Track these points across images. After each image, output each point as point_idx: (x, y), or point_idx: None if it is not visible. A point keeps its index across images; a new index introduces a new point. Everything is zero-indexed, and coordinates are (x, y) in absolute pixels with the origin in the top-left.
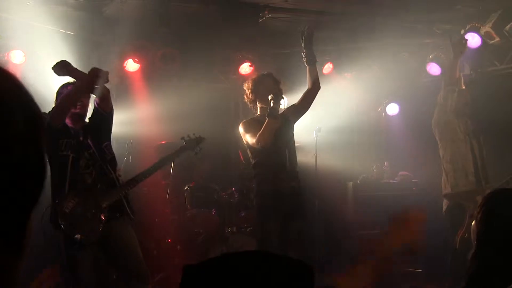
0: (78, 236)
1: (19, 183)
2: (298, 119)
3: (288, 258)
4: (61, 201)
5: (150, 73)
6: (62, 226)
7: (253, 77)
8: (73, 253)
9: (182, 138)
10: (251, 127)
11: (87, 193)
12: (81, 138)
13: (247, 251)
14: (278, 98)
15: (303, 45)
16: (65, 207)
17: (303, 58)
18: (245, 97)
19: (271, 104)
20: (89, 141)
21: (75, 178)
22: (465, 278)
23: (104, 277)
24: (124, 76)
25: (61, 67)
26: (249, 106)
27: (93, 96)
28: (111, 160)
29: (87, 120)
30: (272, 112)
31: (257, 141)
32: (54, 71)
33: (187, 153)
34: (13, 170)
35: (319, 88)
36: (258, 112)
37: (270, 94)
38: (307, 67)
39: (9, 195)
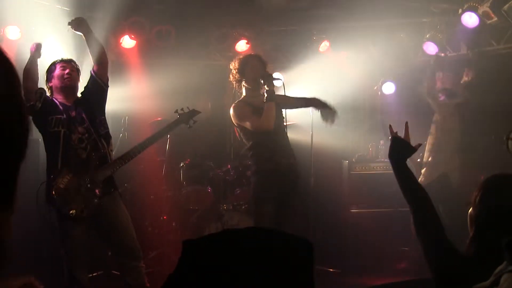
0: (72, 211)
1: (2, 140)
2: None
3: (288, 234)
4: (55, 176)
5: (146, 50)
6: (56, 201)
7: (240, 57)
8: (66, 229)
9: (176, 111)
10: (245, 112)
11: (82, 168)
12: (73, 114)
13: (247, 227)
14: (270, 79)
15: (264, 83)
16: (60, 182)
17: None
18: (231, 76)
19: (266, 87)
20: (83, 115)
21: (68, 153)
22: (462, 261)
23: (97, 254)
24: (120, 52)
25: (80, 23)
26: (234, 86)
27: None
28: (105, 135)
29: (79, 94)
30: (270, 95)
31: (261, 127)
32: (72, 26)
33: (181, 126)
34: None
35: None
36: (244, 93)
37: (259, 76)
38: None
39: None
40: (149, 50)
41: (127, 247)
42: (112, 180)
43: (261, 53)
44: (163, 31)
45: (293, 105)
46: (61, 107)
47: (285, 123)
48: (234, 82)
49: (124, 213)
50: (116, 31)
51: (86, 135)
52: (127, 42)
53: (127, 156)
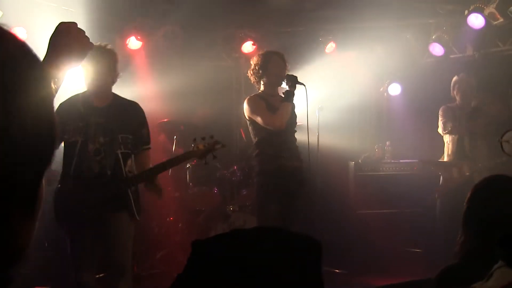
0: (64, 225)
1: (32, 146)
2: None
3: (296, 233)
4: (62, 186)
5: (152, 51)
6: (61, 212)
7: (263, 52)
8: (71, 233)
9: (194, 140)
10: (259, 106)
11: (92, 182)
12: (99, 120)
13: (255, 227)
14: (294, 81)
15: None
16: (65, 192)
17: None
18: (250, 71)
19: (288, 88)
20: (107, 125)
21: (82, 165)
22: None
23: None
24: (126, 54)
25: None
26: (252, 81)
27: None
28: (125, 154)
29: (115, 101)
30: (289, 96)
31: (273, 124)
32: None
33: (187, 128)
34: (26, 133)
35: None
36: (262, 89)
37: (281, 74)
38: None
39: (23, 158)
40: (156, 51)
41: (115, 262)
42: (125, 200)
43: None
44: (170, 32)
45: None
46: (82, 110)
47: (295, 125)
48: (253, 77)
49: (126, 233)
50: (123, 32)
51: (105, 147)
52: (134, 43)
53: (135, 179)
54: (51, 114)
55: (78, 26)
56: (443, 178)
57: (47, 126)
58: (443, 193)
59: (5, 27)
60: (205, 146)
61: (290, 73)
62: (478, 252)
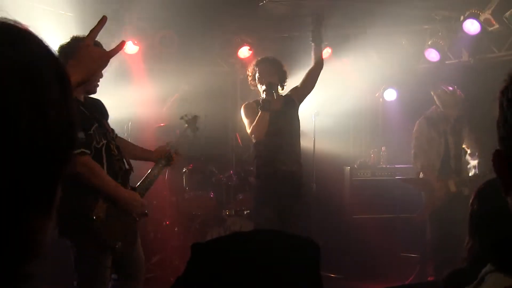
0: (119, 244)
1: (53, 146)
2: (303, 99)
3: (295, 235)
4: (90, 201)
5: (149, 56)
6: (94, 234)
7: (254, 62)
8: (99, 260)
9: (182, 118)
10: (250, 113)
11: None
12: (100, 116)
13: (255, 229)
14: (270, 89)
15: (312, 24)
16: (99, 209)
17: (310, 37)
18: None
19: (263, 95)
20: (102, 120)
21: (112, 167)
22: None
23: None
24: (123, 58)
25: None
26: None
27: None
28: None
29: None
30: (264, 105)
31: (251, 134)
32: None
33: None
34: (48, 133)
35: (321, 67)
36: (262, 95)
37: (263, 84)
38: (312, 45)
39: (44, 159)
40: (152, 56)
41: (132, 271)
42: None
43: None
44: (166, 37)
45: (305, 88)
46: (87, 113)
47: (297, 129)
48: (252, 87)
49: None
50: (120, 37)
51: (117, 145)
52: (130, 48)
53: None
54: (72, 114)
55: (95, 40)
56: (425, 197)
57: (67, 127)
58: (429, 214)
59: (29, 29)
60: (190, 118)
61: (287, 78)
62: (485, 256)
